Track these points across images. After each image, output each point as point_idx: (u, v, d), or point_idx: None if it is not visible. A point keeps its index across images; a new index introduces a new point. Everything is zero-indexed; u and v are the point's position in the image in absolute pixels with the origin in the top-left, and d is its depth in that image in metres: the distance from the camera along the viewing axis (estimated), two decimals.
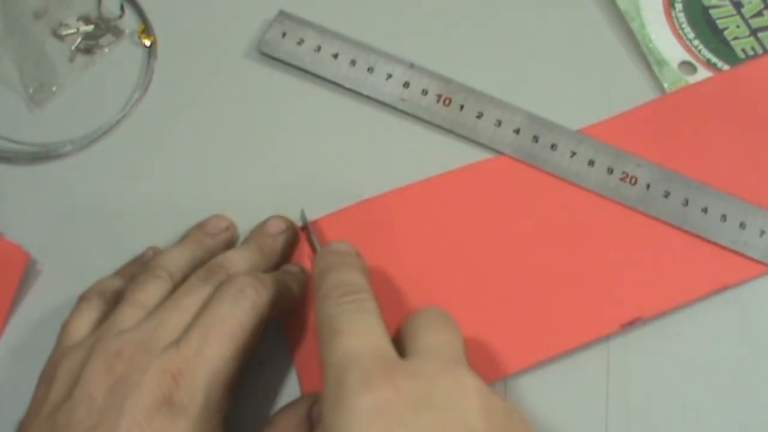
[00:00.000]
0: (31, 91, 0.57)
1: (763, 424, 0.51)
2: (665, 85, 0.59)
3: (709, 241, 0.54)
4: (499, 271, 0.53)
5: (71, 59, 0.59)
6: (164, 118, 0.58)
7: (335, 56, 0.58)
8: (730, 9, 0.62)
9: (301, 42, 0.58)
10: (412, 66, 0.58)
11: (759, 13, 0.62)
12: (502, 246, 0.53)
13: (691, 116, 0.58)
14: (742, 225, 0.54)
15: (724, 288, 0.53)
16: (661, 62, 0.60)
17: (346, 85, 0.58)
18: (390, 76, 0.58)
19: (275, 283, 0.46)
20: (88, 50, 0.59)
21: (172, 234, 0.53)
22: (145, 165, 0.56)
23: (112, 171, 0.56)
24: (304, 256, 0.53)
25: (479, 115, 0.57)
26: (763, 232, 0.54)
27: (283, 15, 0.59)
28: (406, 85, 0.57)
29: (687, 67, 0.60)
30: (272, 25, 0.59)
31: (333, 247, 0.48)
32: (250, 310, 0.43)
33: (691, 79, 0.59)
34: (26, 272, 0.52)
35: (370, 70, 0.58)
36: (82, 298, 0.48)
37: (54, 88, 0.58)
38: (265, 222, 0.52)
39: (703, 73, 0.60)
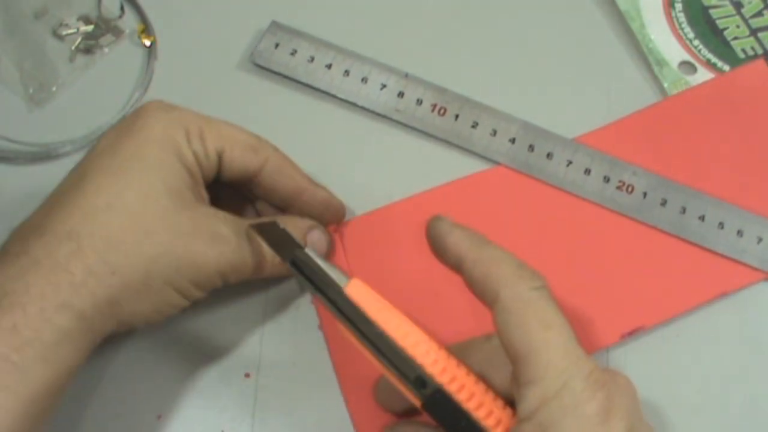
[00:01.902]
0: (31, 91, 0.56)
1: (763, 424, 0.50)
2: (665, 85, 0.58)
3: (706, 249, 0.53)
4: None
5: (71, 59, 0.58)
6: None
7: (329, 67, 0.57)
8: (730, 9, 0.60)
9: (294, 53, 0.57)
10: (406, 76, 0.56)
11: (759, 13, 0.60)
12: None
13: (687, 122, 0.56)
14: (740, 233, 0.52)
15: (723, 295, 0.52)
16: (661, 62, 0.58)
17: (340, 96, 0.56)
18: (384, 86, 0.56)
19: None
20: (88, 50, 0.58)
21: None
22: None
23: None
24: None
25: (474, 125, 0.55)
26: (760, 240, 0.52)
27: (275, 26, 0.58)
28: (401, 95, 0.56)
29: (687, 66, 0.59)
30: (264, 36, 0.57)
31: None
32: None
33: (691, 79, 0.58)
34: None
35: (364, 80, 0.56)
36: None
37: (54, 88, 0.57)
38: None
39: (703, 73, 0.58)
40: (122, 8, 0.59)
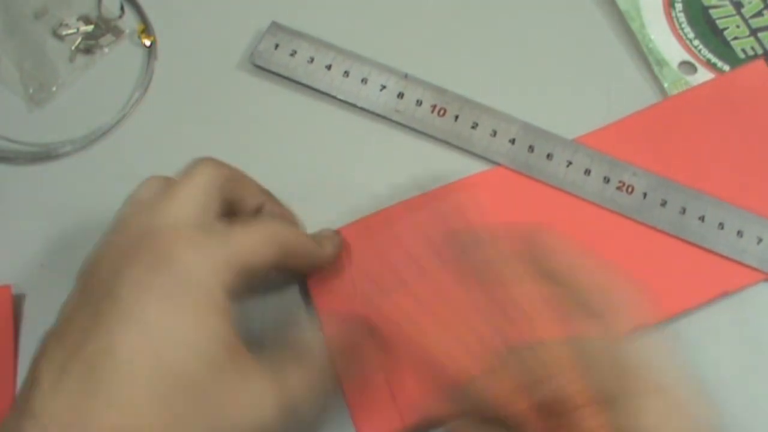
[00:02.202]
0: (31, 91, 0.56)
1: (763, 424, 0.50)
2: (665, 85, 0.57)
3: (706, 250, 0.52)
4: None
5: (71, 59, 0.58)
6: (164, 118, 0.57)
7: (328, 68, 0.56)
8: (730, 9, 0.60)
9: (293, 53, 0.57)
10: (406, 76, 0.56)
11: (759, 13, 0.60)
12: None
13: (687, 122, 0.56)
14: (740, 233, 0.52)
15: (723, 296, 0.52)
16: (662, 62, 0.58)
17: (340, 97, 0.56)
18: (384, 87, 0.56)
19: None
20: (88, 50, 0.58)
21: None
22: (145, 165, 0.54)
23: (112, 171, 0.55)
24: None
25: (474, 126, 0.55)
26: (760, 240, 0.52)
27: (275, 26, 0.57)
28: (401, 95, 0.56)
29: (687, 67, 0.58)
30: (264, 37, 0.57)
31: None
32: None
33: (692, 79, 0.58)
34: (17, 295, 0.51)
35: (363, 81, 0.56)
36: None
37: (54, 88, 0.57)
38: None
39: (703, 73, 0.58)
40: (122, 8, 0.59)
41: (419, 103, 0.55)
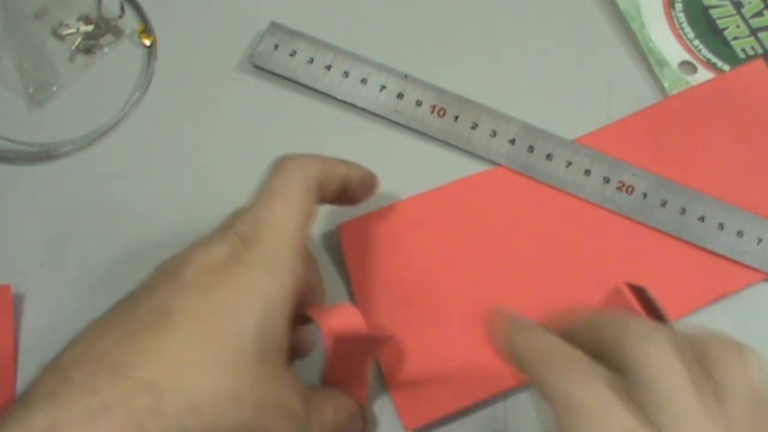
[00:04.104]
0: (31, 91, 0.56)
1: None
2: (666, 85, 0.57)
3: (706, 250, 0.52)
4: (496, 284, 0.51)
5: (71, 59, 0.57)
6: (164, 118, 0.56)
7: (328, 68, 0.56)
8: (730, 9, 0.60)
9: (293, 54, 0.56)
10: (405, 77, 0.56)
11: (759, 13, 0.60)
12: (500, 258, 0.51)
13: (687, 122, 0.55)
14: (740, 233, 0.52)
15: (723, 297, 0.51)
16: (662, 62, 0.58)
17: (339, 97, 0.55)
18: (383, 87, 0.55)
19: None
20: (88, 50, 0.58)
21: (171, 233, 0.51)
22: (145, 165, 0.55)
23: (112, 171, 0.55)
24: None
25: (474, 126, 0.54)
26: (760, 240, 0.52)
27: (274, 27, 0.57)
28: (400, 96, 0.55)
29: (687, 66, 0.58)
30: (264, 37, 0.57)
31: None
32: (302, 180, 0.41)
33: (692, 79, 0.57)
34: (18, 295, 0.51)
35: (363, 81, 0.55)
36: None
37: (54, 88, 0.56)
38: None
39: (703, 73, 0.58)
40: (122, 8, 0.59)
41: (419, 103, 0.55)
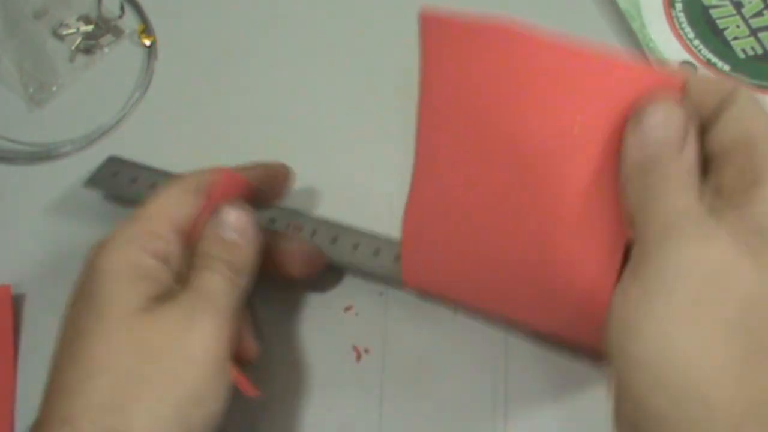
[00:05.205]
0: (31, 91, 0.56)
1: None
2: None
3: None
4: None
5: (71, 59, 0.58)
6: (164, 119, 0.56)
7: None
8: (730, 9, 0.60)
9: None
10: None
11: (759, 13, 0.59)
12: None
13: None
14: None
15: None
16: (662, 62, 0.58)
17: None
18: None
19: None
20: (88, 50, 0.58)
21: None
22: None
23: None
24: None
25: None
26: None
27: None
28: None
29: (687, 66, 0.58)
30: None
31: None
32: None
33: None
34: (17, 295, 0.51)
35: None
36: None
37: (54, 88, 0.56)
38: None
39: (703, 73, 0.57)
40: (122, 8, 0.59)
41: None
